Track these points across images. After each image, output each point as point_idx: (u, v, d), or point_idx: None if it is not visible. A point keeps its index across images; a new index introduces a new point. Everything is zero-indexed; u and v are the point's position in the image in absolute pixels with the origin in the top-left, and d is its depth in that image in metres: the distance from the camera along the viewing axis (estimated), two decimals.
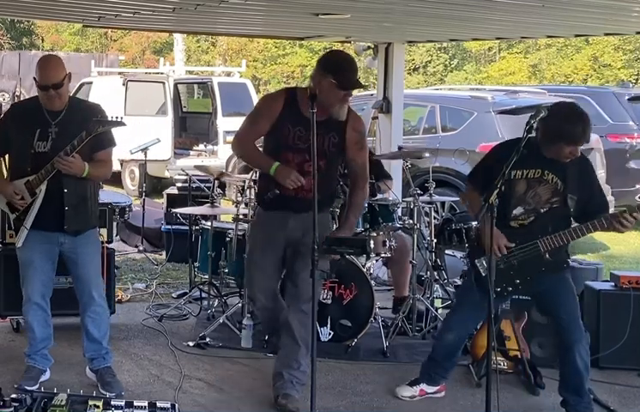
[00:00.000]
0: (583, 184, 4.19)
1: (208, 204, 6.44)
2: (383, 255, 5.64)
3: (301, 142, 4.28)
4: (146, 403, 3.94)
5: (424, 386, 4.68)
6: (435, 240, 6.08)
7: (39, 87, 4.40)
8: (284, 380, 4.36)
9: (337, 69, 4.19)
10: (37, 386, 4.39)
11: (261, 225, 4.64)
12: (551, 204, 4.16)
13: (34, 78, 4.45)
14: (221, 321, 5.75)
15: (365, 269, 5.57)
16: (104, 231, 5.70)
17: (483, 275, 4.29)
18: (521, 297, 4.63)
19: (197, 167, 7.33)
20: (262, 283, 4.58)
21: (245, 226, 5.86)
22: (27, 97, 19.14)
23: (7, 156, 4.63)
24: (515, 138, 4.32)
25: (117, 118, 4.32)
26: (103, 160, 4.49)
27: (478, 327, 5.28)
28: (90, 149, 4.36)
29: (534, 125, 3.91)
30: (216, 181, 6.58)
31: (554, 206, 4.14)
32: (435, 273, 6.09)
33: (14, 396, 3.89)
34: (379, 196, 6.09)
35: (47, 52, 23.20)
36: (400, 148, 7.25)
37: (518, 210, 4.21)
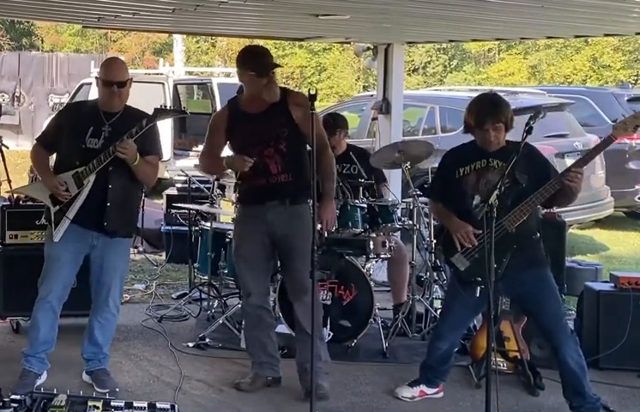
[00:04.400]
0: (533, 163, 4.27)
1: (208, 205, 6.44)
2: (382, 255, 5.65)
3: (253, 137, 4.52)
4: (145, 404, 3.92)
5: (423, 387, 4.69)
6: (434, 241, 6.07)
7: (102, 84, 4.47)
8: (309, 373, 4.35)
9: (252, 62, 4.54)
10: None
11: (242, 220, 4.76)
12: (504, 185, 4.16)
13: (96, 77, 4.53)
14: (221, 322, 5.75)
15: (364, 270, 5.57)
16: None
17: (461, 270, 4.37)
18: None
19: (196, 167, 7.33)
20: (255, 278, 4.68)
21: None
22: (26, 98, 19.24)
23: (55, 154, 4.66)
24: (459, 145, 4.57)
25: (182, 108, 4.49)
26: (150, 162, 4.51)
27: (477, 328, 5.30)
28: (139, 151, 4.38)
29: (533, 125, 3.93)
30: (216, 182, 6.58)
31: (507, 185, 4.17)
32: (434, 274, 6.09)
33: (13, 396, 3.88)
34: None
35: (47, 53, 23.21)
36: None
37: (476, 199, 4.30)
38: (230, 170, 4.79)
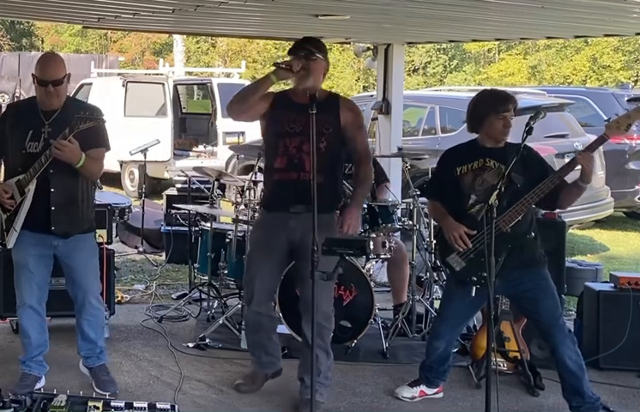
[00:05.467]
0: (530, 165, 4.25)
1: (208, 205, 6.44)
2: (382, 256, 5.64)
3: (296, 126, 4.37)
4: (145, 405, 3.92)
5: (423, 388, 4.70)
6: (434, 241, 6.07)
7: (38, 83, 4.34)
8: (306, 385, 4.35)
9: (295, 46, 4.45)
10: None
11: (262, 225, 4.63)
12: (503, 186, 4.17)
13: (33, 74, 4.39)
14: (221, 322, 5.75)
15: (364, 271, 5.57)
16: (103, 232, 5.69)
17: (457, 270, 4.37)
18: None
19: (196, 169, 7.36)
20: (260, 286, 4.56)
21: (245, 227, 5.86)
22: (26, 98, 19.27)
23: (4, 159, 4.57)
24: (458, 144, 4.59)
25: (99, 116, 4.28)
26: (94, 157, 4.37)
27: (478, 328, 5.30)
28: (81, 147, 4.24)
29: (533, 125, 3.93)
30: (216, 182, 6.58)
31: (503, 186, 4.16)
32: (434, 274, 6.09)
33: (13, 397, 3.88)
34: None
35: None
36: (399, 149, 7.25)
37: (472, 199, 4.32)
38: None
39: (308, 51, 4.38)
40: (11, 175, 4.40)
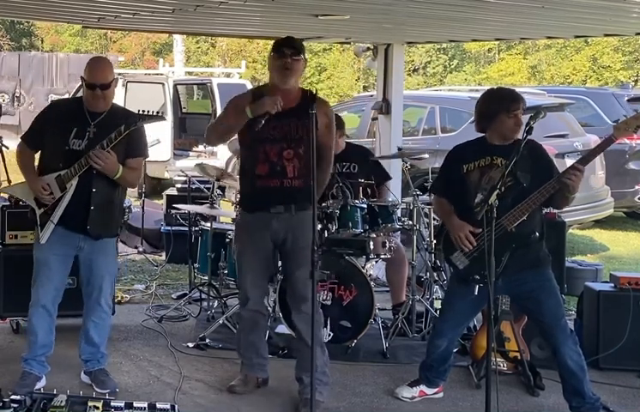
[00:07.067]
0: (538, 164, 4.26)
1: (208, 205, 6.43)
2: (382, 256, 5.65)
3: (276, 132, 4.35)
4: (145, 404, 3.93)
5: (423, 387, 4.70)
6: (434, 241, 6.07)
7: (86, 86, 4.44)
8: (305, 385, 4.36)
9: (275, 45, 4.42)
10: None
11: (245, 227, 4.61)
12: (505, 184, 4.12)
13: (82, 77, 4.49)
14: (221, 322, 5.75)
15: (364, 271, 5.56)
16: None
17: (460, 268, 4.38)
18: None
19: (197, 167, 7.34)
20: (253, 285, 4.59)
21: None
22: (26, 98, 19.24)
23: (39, 153, 4.61)
24: (465, 141, 4.57)
25: (158, 113, 4.40)
26: (133, 167, 4.48)
27: (478, 328, 5.30)
28: (124, 154, 4.37)
29: (533, 125, 3.93)
30: (216, 182, 6.57)
31: (509, 184, 4.13)
32: (434, 274, 6.08)
33: (13, 397, 3.88)
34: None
35: (47, 53, 23.21)
36: (399, 149, 7.25)
37: (478, 197, 4.29)
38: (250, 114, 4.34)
39: (294, 49, 4.37)
40: (51, 170, 4.43)
